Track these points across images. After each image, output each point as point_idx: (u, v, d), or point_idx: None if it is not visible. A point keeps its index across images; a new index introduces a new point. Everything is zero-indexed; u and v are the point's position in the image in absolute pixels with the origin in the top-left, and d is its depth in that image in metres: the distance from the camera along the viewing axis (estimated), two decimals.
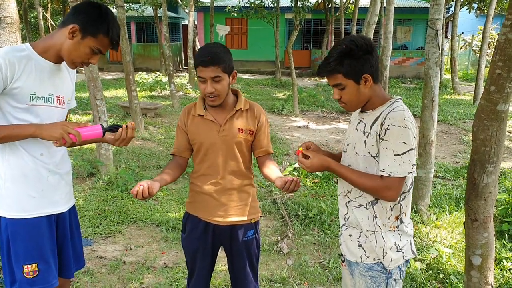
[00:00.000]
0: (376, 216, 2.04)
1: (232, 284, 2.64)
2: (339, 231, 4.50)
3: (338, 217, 4.84)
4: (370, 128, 2.01)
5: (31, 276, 2.11)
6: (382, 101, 2.04)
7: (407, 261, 2.11)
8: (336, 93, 2.04)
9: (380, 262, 2.06)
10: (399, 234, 2.07)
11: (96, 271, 3.76)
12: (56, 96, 2.15)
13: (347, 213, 2.15)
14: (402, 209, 2.05)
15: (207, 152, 2.39)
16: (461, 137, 9.53)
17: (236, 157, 2.41)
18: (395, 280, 2.08)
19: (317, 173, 6.22)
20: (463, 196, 2.94)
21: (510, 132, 9.81)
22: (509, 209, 4.71)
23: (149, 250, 4.20)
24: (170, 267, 3.86)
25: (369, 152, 2.01)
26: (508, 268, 3.79)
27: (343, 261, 2.28)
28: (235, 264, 2.56)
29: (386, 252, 2.04)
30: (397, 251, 2.05)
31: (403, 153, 1.91)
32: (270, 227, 4.76)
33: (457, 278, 3.60)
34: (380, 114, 1.99)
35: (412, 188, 2.10)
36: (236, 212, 2.44)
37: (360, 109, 2.13)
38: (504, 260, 3.89)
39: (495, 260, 3.75)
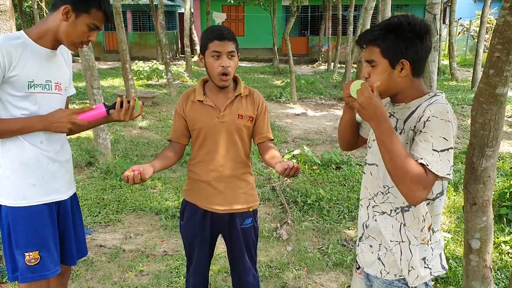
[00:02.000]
0: (405, 225, 1.79)
1: (232, 271, 2.64)
2: (339, 217, 4.54)
3: (336, 204, 4.88)
4: (404, 124, 1.75)
5: (32, 264, 2.11)
6: (418, 95, 1.77)
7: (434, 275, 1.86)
8: (366, 69, 1.78)
9: (403, 278, 1.83)
10: (431, 248, 1.82)
11: (96, 260, 3.77)
12: (55, 83, 2.14)
13: (368, 220, 1.93)
14: (433, 218, 1.81)
15: (206, 137, 2.37)
16: (459, 122, 9.52)
17: (235, 143, 2.39)
18: None
19: (316, 160, 6.22)
20: (462, 180, 2.94)
21: (508, 117, 9.81)
22: (508, 193, 4.73)
23: (148, 238, 4.21)
24: (170, 255, 3.87)
25: None
26: (506, 251, 3.81)
27: (357, 268, 2.09)
28: (233, 252, 2.55)
29: (412, 267, 1.80)
30: (425, 267, 1.81)
31: (442, 150, 1.62)
32: (269, 214, 4.77)
33: (456, 262, 3.62)
34: (417, 109, 1.73)
35: (442, 196, 1.82)
36: (234, 200, 2.42)
37: (390, 101, 1.87)
38: (502, 244, 3.91)
39: (493, 244, 3.77)
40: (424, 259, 1.81)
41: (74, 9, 2.01)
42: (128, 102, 2.18)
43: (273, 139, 2.49)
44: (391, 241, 1.82)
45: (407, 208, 1.78)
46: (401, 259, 1.81)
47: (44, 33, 2.06)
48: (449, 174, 1.63)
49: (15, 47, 1.97)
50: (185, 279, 2.68)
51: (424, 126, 1.65)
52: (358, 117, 2.09)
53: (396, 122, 1.79)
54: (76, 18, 2.03)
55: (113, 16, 2.19)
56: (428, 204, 1.78)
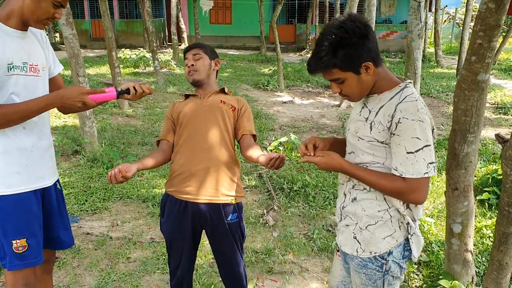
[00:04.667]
0: (385, 198, 1.83)
1: (218, 266, 2.60)
2: (324, 203, 4.59)
3: (322, 190, 4.93)
4: (375, 117, 1.79)
5: (20, 251, 2.11)
6: (389, 85, 1.80)
7: (409, 258, 1.91)
8: (335, 87, 1.81)
9: (380, 256, 1.87)
10: (409, 229, 1.85)
11: (83, 247, 3.78)
12: (30, 64, 2.10)
13: (344, 201, 1.98)
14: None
15: (188, 121, 2.40)
16: (444, 110, 9.62)
17: (218, 125, 2.39)
18: (393, 277, 1.90)
19: None
20: (445, 166, 3.00)
21: (492, 104, 9.93)
22: (490, 179, 4.81)
23: (135, 225, 4.22)
24: (157, 242, 3.89)
25: (375, 138, 1.79)
26: (487, 235, 3.89)
27: (337, 250, 2.14)
28: (218, 248, 2.50)
29: (388, 244, 1.86)
30: (401, 248, 1.87)
31: (416, 151, 1.67)
32: (256, 201, 4.81)
33: (438, 246, 3.69)
34: (387, 103, 1.77)
35: None
36: (214, 185, 2.35)
37: None
38: (484, 228, 3.99)
39: (475, 228, 3.85)
40: (406, 239, 1.86)
41: None
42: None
43: (255, 135, 2.49)
44: (374, 216, 1.85)
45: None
46: (381, 234, 1.85)
47: (10, 14, 2.02)
48: (427, 173, 1.69)
49: None
50: (169, 273, 2.66)
51: (396, 128, 1.70)
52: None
53: (369, 113, 1.82)
54: None
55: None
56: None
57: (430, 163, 1.69)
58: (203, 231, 2.52)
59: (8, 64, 1.99)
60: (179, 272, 2.55)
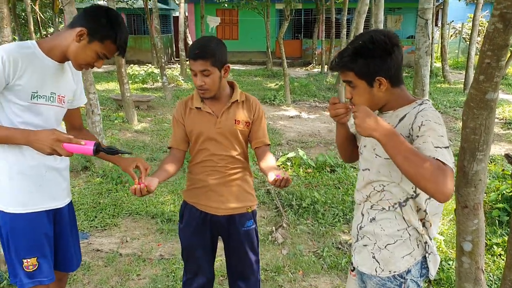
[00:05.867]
0: (404, 218, 1.84)
1: (230, 275, 2.66)
2: (334, 220, 4.58)
3: (331, 207, 4.92)
4: (394, 128, 1.75)
5: (30, 270, 2.14)
6: (405, 102, 1.82)
7: (426, 276, 1.92)
8: (348, 91, 1.85)
9: (398, 275, 1.87)
10: (429, 238, 1.87)
11: (92, 264, 3.79)
12: (58, 95, 2.16)
13: (362, 221, 1.97)
14: (427, 216, 1.84)
15: (204, 142, 2.43)
16: (451, 125, 9.60)
17: (232, 146, 2.44)
18: None
19: (310, 163, 6.27)
20: (454, 183, 2.98)
21: (500, 119, 9.90)
22: (499, 196, 4.79)
23: (145, 242, 4.24)
24: (167, 259, 3.90)
25: None
26: (498, 253, 3.86)
27: (352, 270, 2.15)
28: (235, 256, 2.57)
29: (407, 262, 1.86)
30: (419, 266, 1.88)
31: (444, 147, 1.62)
32: (264, 217, 4.81)
33: (449, 264, 3.67)
34: (405, 116, 1.78)
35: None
36: (233, 201, 2.47)
37: (378, 111, 1.92)
38: (494, 246, 3.96)
39: (485, 246, 3.82)
40: (424, 257, 1.87)
41: (89, 34, 2.02)
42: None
43: (269, 144, 2.53)
44: (393, 235, 1.85)
45: (404, 203, 1.83)
46: (399, 253, 1.85)
47: (55, 47, 2.08)
48: (452, 169, 1.59)
49: (23, 57, 1.98)
50: (182, 283, 2.71)
51: (419, 130, 1.68)
52: (352, 129, 2.13)
53: None
54: (88, 43, 2.03)
55: (125, 50, 2.18)
56: (427, 199, 1.82)
57: (453, 162, 1.63)
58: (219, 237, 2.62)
59: (33, 92, 2.03)
60: (200, 281, 2.60)
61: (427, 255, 1.88)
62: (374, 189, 1.91)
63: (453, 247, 3.89)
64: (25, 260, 2.13)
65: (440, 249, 3.96)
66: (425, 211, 1.84)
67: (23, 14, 23.06)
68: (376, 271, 1.92)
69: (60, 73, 2.17)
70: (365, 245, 1.97)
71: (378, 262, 1.91)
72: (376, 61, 1.74)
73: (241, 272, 2.60)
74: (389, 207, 1.87)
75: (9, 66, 1.93)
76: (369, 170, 1.93)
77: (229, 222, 2.50)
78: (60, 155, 1.98)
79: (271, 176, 2.14)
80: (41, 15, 22.46)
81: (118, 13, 2.14)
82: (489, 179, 5.66)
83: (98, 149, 2.01)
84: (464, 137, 2.78)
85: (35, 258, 2.15)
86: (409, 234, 1.86)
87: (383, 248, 1.89)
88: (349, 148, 2.15)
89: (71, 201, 2.41)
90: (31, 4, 18.50)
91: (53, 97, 2.13)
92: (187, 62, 2.46)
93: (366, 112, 1.68)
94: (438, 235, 4.17)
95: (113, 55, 2.13)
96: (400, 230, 1.86)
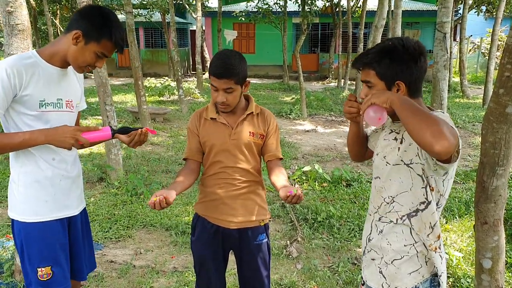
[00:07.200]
0: (413, 229, 1.82)
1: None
2: (349, 235, 4.52)
3: (347, 221, 4.86)
4: (404, 132, 1.80)
5: (45, 279, 2.14)
6: None
7: None
8: (363, 91, 1.84)
9: None
10: (440, 256, 1.82)
11: (106, 275, 3.79)
12: (66, 101, 2.18)
13: (371, 233, 1.98)
14: (438, 225, 1.81)
15: (218, 154, 2.41)
16: (470, 140, 9.47)
17: (246, 159, 2.42)
18: None
19: (326, 177, 6.22)
20: (473, 199, 2.93)
21: None
22: None
23: (158, 254, 4.22)
24: (180, 271, 3.88)
25: (401, 160, 1.79)
26: None
27: (363, 284, 2.13)
28: (246, 269, 2.56)
29: (415, 277, 1.83)
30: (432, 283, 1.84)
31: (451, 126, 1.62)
32: (279, 231, 4.77)
33: (468, 282, 3.58)
34: None
35: (441, 207, 1.86)
36: (244, 213, 2.44)
37: (392, 120, 1.91)
38: None
39: (506, 264, 3.73)
40: (434, 275, 1.83)
41: (84, 35, 2.03)
42: (140, 130, 2.18)
43: (281, 158, 2.51)
44: (400, 250, 1.83)
45: (414, 214, 1.81)
46: (406, 269, 1.82)
47: (55, 53, 2.10)
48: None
49: (26, 67, 2.00)
50: None
51: None
52: (365, 130, 2.15)
53: (397, 134, 1.85)
54: (85, 44, 2.05)
55: (123, 47, 2.19)
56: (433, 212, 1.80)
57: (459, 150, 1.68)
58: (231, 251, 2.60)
59: (41, 100, 2.05)
60: None
61: (439, 274, 1.82)
62: (384, 200, 1.91)
63: (472, 264, 3.80)
64: (39, 269, 2.14)
65: (459, 266, 3.87)
66: (434, 224, 1.80)
67: (43, 27, 23.51)
68: (383, 287, 1.90)
69: (65, 78, 2.18)
70: (372, 259, 1.97)
71: (385, 278, 1.89)
72: (400, 65, 1.74)
73: (253, 286, 2.58)
74: (397, 219, 1.85)
75: (14, 78, 1.95)
76: (379, 178, 1.93)
77: (241, 235, 2.48)
78: (82, 146, 2.05)
79: (283, 192, 2.13)
80: (61, 29, 22.88)
81: (111, 10, 2.14)
82: (510, 194, 5.55)
83: (114, 131, 2.13)
84: (483, 152, 2.73)
85: (49, 267, 2.15)
86: (417, 251, 1.83)
87: (390, 264, 1.87)
88: (358, 146, 2.17)
89: (85, 208, 2.41)
90: (51, 18, 18.87)
91: (60, 103, 2.14)
92: (204, 76, 2.47)
93: (380, 90, 1.75)
94: (456, 251, 4.08)
95: (112, 53, 2.14)
96: (407, 246, 1.84)
